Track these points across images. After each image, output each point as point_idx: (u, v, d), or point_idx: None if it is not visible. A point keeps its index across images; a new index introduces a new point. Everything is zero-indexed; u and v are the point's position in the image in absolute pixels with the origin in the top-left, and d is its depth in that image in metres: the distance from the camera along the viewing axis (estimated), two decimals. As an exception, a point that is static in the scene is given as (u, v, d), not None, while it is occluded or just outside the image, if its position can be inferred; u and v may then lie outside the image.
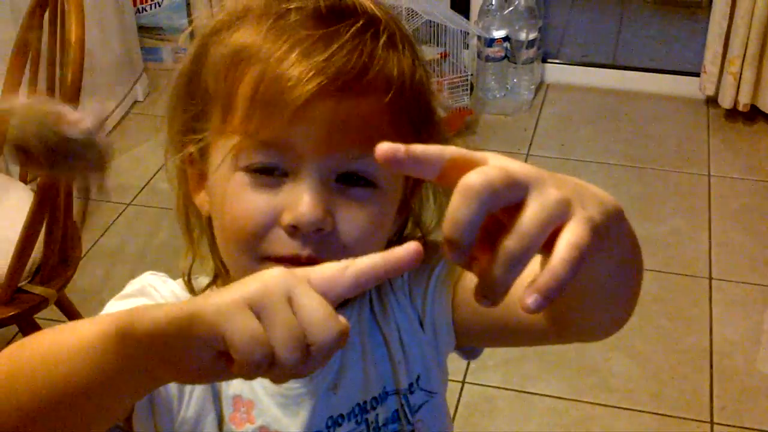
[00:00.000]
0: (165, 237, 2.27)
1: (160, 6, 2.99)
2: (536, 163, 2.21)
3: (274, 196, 0.64)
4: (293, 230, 0.63)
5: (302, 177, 0.63)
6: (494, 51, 2.87)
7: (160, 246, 2.25)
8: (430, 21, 2.72)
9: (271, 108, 0.62)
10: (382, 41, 0.64)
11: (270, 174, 0.64)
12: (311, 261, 0.63)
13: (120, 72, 2.82)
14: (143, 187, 2.49)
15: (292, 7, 0.64)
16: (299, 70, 0.61)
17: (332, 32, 0.63)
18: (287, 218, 0.63)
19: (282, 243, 0.64)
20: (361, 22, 0.64)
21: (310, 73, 0.61)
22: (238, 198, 0.65)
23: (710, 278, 2.19)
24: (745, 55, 2.71)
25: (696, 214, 2.42)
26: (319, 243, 0.64)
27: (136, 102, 2.88)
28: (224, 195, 0.66)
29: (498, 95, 2.92)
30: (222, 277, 0.73)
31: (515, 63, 2.89)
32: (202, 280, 0.75)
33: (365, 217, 0.65)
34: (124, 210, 2.42)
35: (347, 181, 0.64)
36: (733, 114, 2.82)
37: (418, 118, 0.68)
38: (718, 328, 2.05)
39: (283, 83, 0.61)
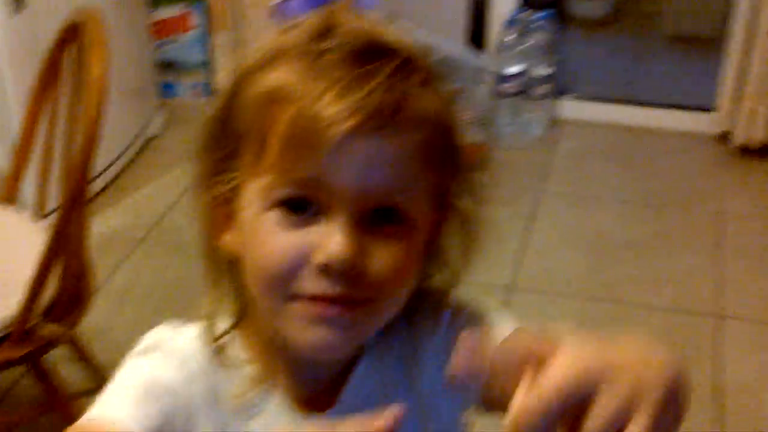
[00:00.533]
0: (176, 274, 2.28)
1: (179, 42, 3.04)
2: (551, 199, 2.19)
3: (306, 234, 0.64)
4: (325, 269, 0.64)
5: (335, 215, 0.64)
6: (509, 86, 2.89)
7: (171, 283, 2.26)
8: (445, 56, 2.74)
9: (305, 147, 0.63)
10: (417, 80, 0.65)
11: (302, 211, 0.64)
12: (342, 299, 0.64)
13: (136, 107, 2.85)
14: (155, 224, 2.51)
15: (328, 47, 0.65)
16: (335, 109, 0.62)
17: (368, 71, 0.63)
18: (319, 257, 0.63)
19: (312, 282, 0.64)
20: (398, 61, 0.65)
21: (346, 113, 0.62)
22: (270, 236, 0.65)
23: (722, 317, 2.19)
24: (759, 92, 2.72)
25: (708, 251, 2.42)
26: (350, 281, 0.64)
27: (151, 137, 2.90)
28: (255, 234, 0.66)
29: (512, 130, 2.93)
30: (244, 319, 0.73)
31: (530, 98, 2.91)
32: (219, 326, 0.74)
33: (398, 255, 0.65)
34: (135, 247, 2.44)
35: (379, 218, 0.65)
36: (747, 151, 2.82)
37: (449, 154, 0.69)
38: (730, 368, 2.04)
39: (319, 123, 0.62)
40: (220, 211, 0.70)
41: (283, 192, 0.64)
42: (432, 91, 0.67)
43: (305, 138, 0.63)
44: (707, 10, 3.58)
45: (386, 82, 0.63)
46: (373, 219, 0.65)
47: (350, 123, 0.62)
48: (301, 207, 0.64)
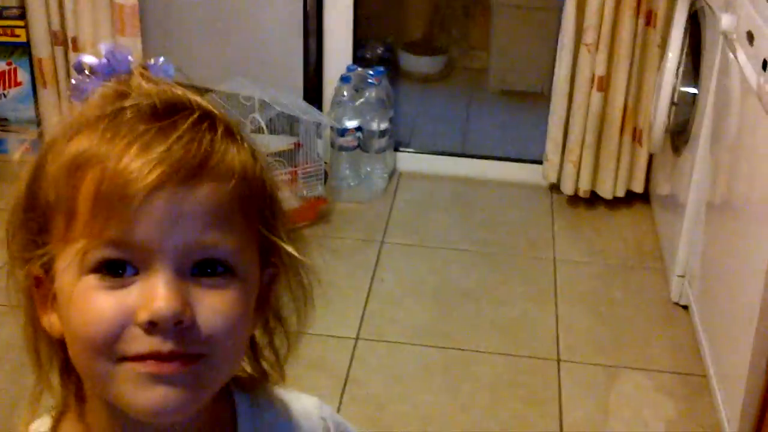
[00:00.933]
0: (6, 335, 2.17)
1: (6, 97, 2.93)
2: (393, 250, 2.23)
3: (127, 295, 0.62)
4: (151, 327, 0.62)
5: (154, 271, 0.62)
6: (347, 141, 2.93)
7: (2, 345, 2.16)
8: (283, 112, 2.76)
9: (113, 205, 0.61)
10: (220, 132, 0.65)
11: (120, 274, 0.63)
12: (173, 356, 0.62)
13: (-38, 164, 2.73)
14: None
15: (126, 105, 0.64)
16: (139, 163, 0.61)
17: (169, 124, 0.63)
18: (143, 315, 0.61)
19: (140, 341, 0.62)
20: (197, 114, 0.65)
21: (151, 165, 0.61)
22: (87, 301, 0.63)
23: (558, 360, 2.27)
24: (583, 144, 2.87)
25: (543, 297, 2.52)
26: (180, 336, 0.62)
27: (-21, 195, 2.78)
28: (73, 301, 0.63)
29: (352, 184, 2.97)
30: (70, 411, 0.70)
31: (368, 152, 2.96)
32: (38, 426, 0.71)
33: (225, 305, 0.64)
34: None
35: (203, 271, 0.64)
36: (574, 200, 2.96)
37: (265, 206, 0.68)
38: (568, 410, 2.12)
39: (124, 178, 0.61)
40: (41, 292, 0.68)
41: (96, 255, 0.62)
42: (236, 143, 0.67)
43: (112, 197, 0.61)
44: (530, 68, 3.76)
45: (188, 134, 0.63)
46: (197, 271, 0.64)
47: (154, 176, 0.61)
48: (118, 268, 0.63)
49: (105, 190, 0.62)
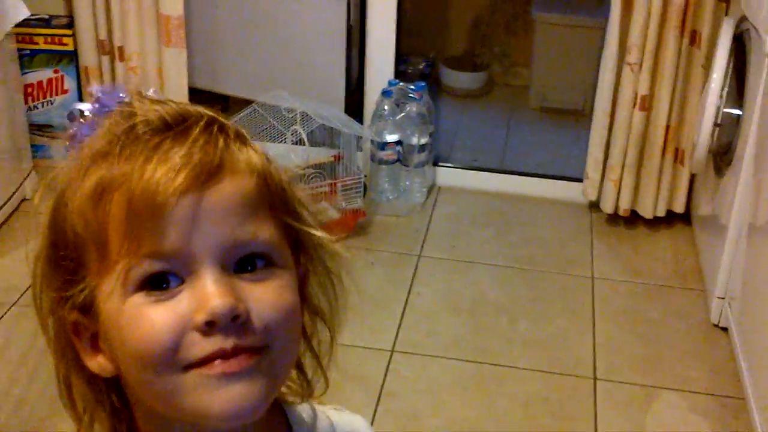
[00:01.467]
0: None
1: (52, 104, 2.98)
2: (430, 264, 2.23)
3: (178, 303, 0.62)
4: (209, 328, 0.62)
5: (200, 275, 0.63)
6: (387, 154, 2.94)
7: (44, 349, 2.19)
8: (324, 125, 2.78)
9: (146, 219, 0.62)
10: (231, 134, 0.67)
11: (165, 287, 0.63)
12: (237, 351, 0.62)
13: (9, 168, 2.78)
14: (28, 288, 2.41)
15: (137, 122, 0.65)
16: (162, 171, 0.62)
17: (182, 131, 0.64)
18: (200, 317, 0.61)
19: (201, 345, 0.62)
20: (205, 119, 0.66)
21: (174, 171, 0.62)
22: (139, 318, 0.62)
23: (595, 378, 2.25)
24: (624, 163, 2.85)
25: (580, 315, 2.50)
26: (238, 332, 0.62)
27: (24, 200, 2.82)
28: (122, 325, 0.63)
29: (391, 197, 2.98)
30: None
31: (407, 166, 2.97)
32: None
33: (275, 294, 0.65)
34: (8, 310, 2.35)
35: (244, 268, 0.64)
36: (614, 218, 2.95)
37: (287, 199, 0.69)
38: (603, 429, 2.10)
39: (152, 190, 0.62)
40: (81, 338, 0.67)
41: (139, 272, 0.62)
42: (248, 144, 0.68)
43: (143, 211, 0.62)
44: (572, 85, 3.75)
45: (202, 137, 0.64)
46: (240, 268, 0.64)
47: (180, 181, 0.62)
48: (162, 282, 0.63)
49: (135, 206, 0.62)
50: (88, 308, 0.66)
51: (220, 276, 0.63)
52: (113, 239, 0.63)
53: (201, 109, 0.67)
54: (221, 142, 0.65)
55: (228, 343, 0.62)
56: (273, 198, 0.67)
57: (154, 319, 0.62)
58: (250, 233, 0.64)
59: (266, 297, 0.64)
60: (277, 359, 0.65)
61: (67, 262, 0.66)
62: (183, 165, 0.62)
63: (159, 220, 0.61)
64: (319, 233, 0.71)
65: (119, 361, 0.65)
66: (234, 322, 0.62)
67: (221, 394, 0.62)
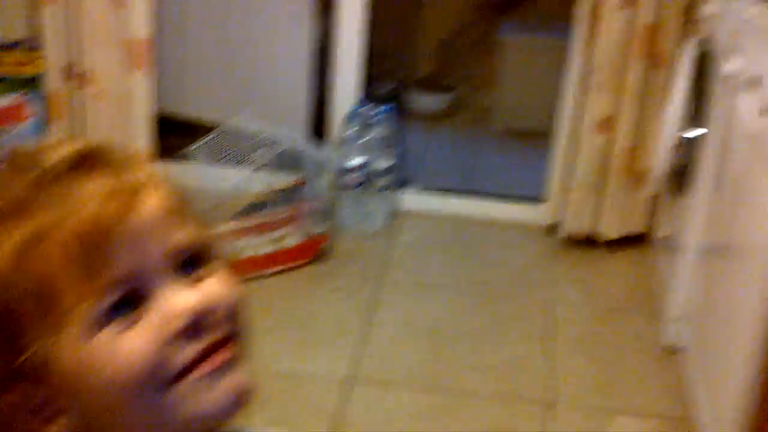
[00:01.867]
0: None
1: (14, 131, 2.97)
2: (391, 289, 2.22)
3: (148, 322, 0.63)
4: (192, 329, 0.64)
5: (157, 287, 0.64)
6: (350, 178, 2.96)
7: None
8: (288, 149, 2.80)
9: (95, 253, 0.62)
10: (135, 152, 0.70)
11: (127, 312, 0.63)
12: (216, 345, 0.65)
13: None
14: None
15: (48, 164, 0.65)
16: (94, 204, 0.63)
17: (100, 160, 0.66)
18: (177, 323, 0.63)
19: (185, 351, 0.64)
20: (108, 146, 0.69)
21: (108, 199, 0.64)
22: (114, 352, 0.62)
23: (550, 403, 2.27)
24: (584, 184, 2.88)
25: (539, 340, 2.52)
26: (215, 324, 0.65)
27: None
28: (93, 367, 0.62)
29: (354, 221, 3.00)
30: None
31: (371, 190, 2.99)
32: None
33: (223, 284, 0.68)
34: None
35: (188, 267, 0.67)
36: (574, 241, 2.97)
37: (189, 213, 0.71)
38: (560, 453, 2.12)
39: (92, 224, 0.62)
40: (20, 414, 0.64)
41: (102, 306, 0.62)
42: (144, 160, 0.70)
43: (89, 247, 0.62)
44: (535, 107, 3.78)
45: (119, 161, 0.67)
46: (185, 272, 0.67)
47: (115, 207, 0.63)
48: (123, 308, 0.63)
49: (82, 244, 0.62)
50: (32, 375, 0.63)
51: (179, 280, 0.66)
52: (62, 286, 0.62)
53: (91, 140, 0.70)
54: (136, 161, 0.68)
55: (206, 341, 0.65)
56: (188, 209, 0.71)
57: (130, 344, 0.62)
58: (185, 236, 0.67)
59: (219, 289, 0.67)
60: (244, 340, 0.69)
61: (6, 337, 0.63)
62: (115, 192, 0.64)
63: (107, 249, 0.63)
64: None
65: (93, 409, 0.64)
66: (209, 318, 0.65)
67: (220, 388, 0.65)
